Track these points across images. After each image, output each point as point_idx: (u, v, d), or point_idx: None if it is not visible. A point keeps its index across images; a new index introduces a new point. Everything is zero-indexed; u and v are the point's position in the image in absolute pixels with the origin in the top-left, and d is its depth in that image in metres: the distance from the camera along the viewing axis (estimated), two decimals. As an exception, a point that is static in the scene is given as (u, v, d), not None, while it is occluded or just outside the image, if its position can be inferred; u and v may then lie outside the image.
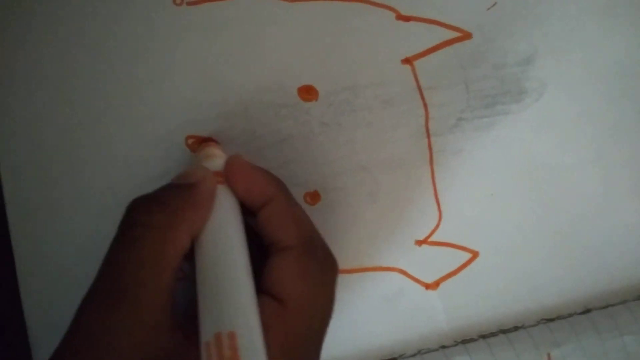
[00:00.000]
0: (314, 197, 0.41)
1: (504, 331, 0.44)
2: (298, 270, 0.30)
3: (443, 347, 0.43)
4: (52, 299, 0.39)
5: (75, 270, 0.39)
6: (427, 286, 0.43)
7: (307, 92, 0.41)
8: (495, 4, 0.43)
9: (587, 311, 0.44)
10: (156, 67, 0.39)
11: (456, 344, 0.44)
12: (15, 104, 0.37)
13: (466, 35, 0.43)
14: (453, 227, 0.43)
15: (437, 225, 0.43)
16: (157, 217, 0.28)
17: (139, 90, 0.38)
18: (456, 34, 0.42)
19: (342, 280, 0.42)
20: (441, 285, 0.44)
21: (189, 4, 0.39)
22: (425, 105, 0.42)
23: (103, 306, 0.26)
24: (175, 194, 0.30)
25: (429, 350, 0.43)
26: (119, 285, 0.26)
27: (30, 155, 0.38)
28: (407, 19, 0.42)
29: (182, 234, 0.28)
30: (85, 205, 0.38)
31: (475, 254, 0.44)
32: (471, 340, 0.44)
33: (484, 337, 0.44)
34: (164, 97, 0.39)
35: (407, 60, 0.42)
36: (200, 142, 0.39)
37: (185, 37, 0.39)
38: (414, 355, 0.43)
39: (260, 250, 0.32)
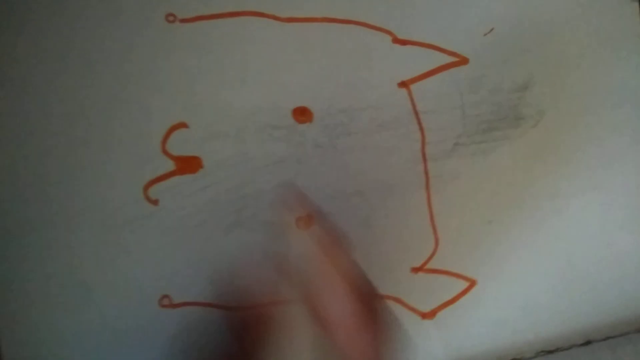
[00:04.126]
0: (306, 221, 0.40)
1: (502, 364, 0.42)
2: None
3: (439, 380, 0.42)
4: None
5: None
6: (424, 315, 0.42)
7: (302, 114, 0.40)
8: (492, 29, 0.42)
9: (587, 343, 0.43)
10: (146, 85, 0.37)
11: (453, 376, 0.42)
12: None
13: (463, 60, 0.42)
14: (450, 254, 0.42)
15: (434, 253, 0.42)
16: None
17: (127, 109, 0.37)
18: (453, 59, 0.42)
19: (335, 309, 0.41)
20: (438, 315, 0.42)
21: (181, 21, 0.38)
22: (421, 130, 0.42)
23: None
24: None
25: (425, 383, 0.42)
26: None
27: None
28: (403, 42, 0.41)
29: None
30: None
31: (472, 282, 0.42)
32: (468, 373, 0.42)
33: (481, 370, 0.42)
34: (153, 116, 0.38)
35: (403, 84, 0.41)
36: None
37: (177, 54, 0.38)
38: (409, 388, 0.41)
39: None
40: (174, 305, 0.38)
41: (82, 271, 0.36)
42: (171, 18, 0.38)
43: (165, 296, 0.38)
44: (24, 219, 0.36)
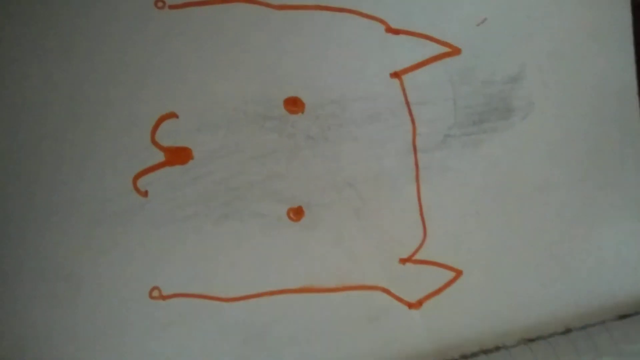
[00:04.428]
0: (297, 213, 0.40)
1: (485, 351, 0.43)
2: None
3: (424, 366, 0.43)
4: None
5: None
6: (410, 305, 0.43)
7: (294, 104, 0.39)
8: (485, 20, 0.42)
9: (567, 331, 0.44)
10: (134, 74, 0.36)
11: (437, 363, 0.43)
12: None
13: (455, 51, 0.42)
14: (438, 245, 0.43)
15: (422, 244, 0.42)
16: None
17: (115, 99, 0.36)
18: (446, 49, 0.42)
19: (325, 299, 0.41)
20: (424, 305, 0.43)
21: (171, 7, 0.37)
22: (412, 121, 0.42)
23: None
24: None
25: (410, 370, 0.43)
26: None
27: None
28: (396, 32, 0.41)
29: None
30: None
31: (458, 273, 0.43)
32: (452, 360, 0.43)
33: (465, 357, 0.43)
34: (142, 106, 0.37)
35: (395, 74, 0.41)
36: None
37: (166, 42, 0.37)
38: (394, 374, 0.42)
39: None
40: (164, 297, 0.38)
41: (72, 264, 0.36)
42: (160, 4, 0.36)
43: (155, 288, 0.38)
44: (12, 213, 0.35)
